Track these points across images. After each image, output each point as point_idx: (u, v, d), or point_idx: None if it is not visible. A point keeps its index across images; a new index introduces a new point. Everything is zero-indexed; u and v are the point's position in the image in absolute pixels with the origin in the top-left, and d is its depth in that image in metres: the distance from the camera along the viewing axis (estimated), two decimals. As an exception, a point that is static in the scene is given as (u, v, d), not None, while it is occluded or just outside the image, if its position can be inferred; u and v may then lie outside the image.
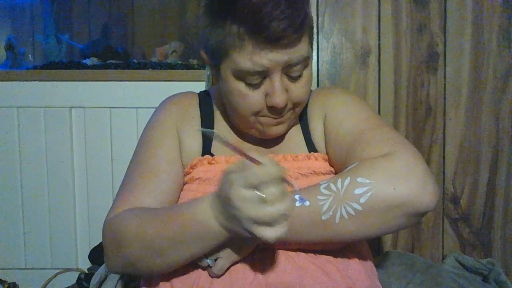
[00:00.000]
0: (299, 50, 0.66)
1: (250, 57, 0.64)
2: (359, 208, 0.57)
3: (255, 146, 0.80)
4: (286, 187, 0.51)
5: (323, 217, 0.59)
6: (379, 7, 1.19)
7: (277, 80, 0.67)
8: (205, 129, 0.62)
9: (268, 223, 0.50)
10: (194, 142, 0.78)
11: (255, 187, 0.49)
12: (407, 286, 0.93)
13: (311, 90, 0.81)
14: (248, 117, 0.71)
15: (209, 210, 0.57)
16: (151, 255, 0.61)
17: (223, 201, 0.53)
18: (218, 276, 0.62)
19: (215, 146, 0.78)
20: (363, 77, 1.20)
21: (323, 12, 1.19)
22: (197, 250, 0.60)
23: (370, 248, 0.77)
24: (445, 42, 1.18)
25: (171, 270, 0.64)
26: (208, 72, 1.20)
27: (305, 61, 0.68)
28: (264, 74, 0.67)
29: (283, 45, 0.64)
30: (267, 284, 0.61)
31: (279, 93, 0.67)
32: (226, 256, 0.62)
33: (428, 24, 1.18)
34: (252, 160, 0.50)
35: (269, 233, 0.50)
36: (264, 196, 0.49)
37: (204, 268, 0.63)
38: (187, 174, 0.75)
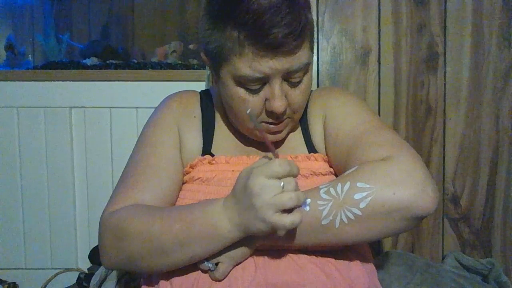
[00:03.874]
0: (300, 57, 0.65)
1: (251, 64, 0.64)
2: (359, 213, 0.57)
3: (255, 149, 0.79)
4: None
5: (323, 222, 0.59)
6: (379, 7, 1.18)
7: (277, 86, 0.66)
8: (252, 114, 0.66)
9: (285, 210, 0.54)
10: (195, 141, 0.78)
11: (275, 177, 0.54)
12: (407, 286, 0.93)
13: (311, 90, 0.80)
14: (247, 121, 0.71)
15: (222, 209, 0.58)
16: (153, 253, 0.61)
17: (241, 192, 0.56)
18: (220, 280, 0.62)
19: (216, 146, 0.78)
20: (363, 77, 1.20)
21: (323, 12, 1.19)
22: (201, 251, 0.60)
23: (370, 248, 0.77)
24: (445, 42, 1.18)
25: (170, 270, 0.64)
26: (208, 72, 1.20)
27: (306, 68, 0.68)
28: (264, 80, 0.66)
29: (284, 52, 0.63)
30: (267, 284, 0.61)
31: (279, 99, 0.67)
32: (227, 260, 0.62)
33: (428, 24, 1.18)
34: (275, 154, 0.59)
35: (286, 219, 0.54)
36: (283, 183, 0.54)
37: (205, 271, 0.63)
38: (187, 173, 0.75)
